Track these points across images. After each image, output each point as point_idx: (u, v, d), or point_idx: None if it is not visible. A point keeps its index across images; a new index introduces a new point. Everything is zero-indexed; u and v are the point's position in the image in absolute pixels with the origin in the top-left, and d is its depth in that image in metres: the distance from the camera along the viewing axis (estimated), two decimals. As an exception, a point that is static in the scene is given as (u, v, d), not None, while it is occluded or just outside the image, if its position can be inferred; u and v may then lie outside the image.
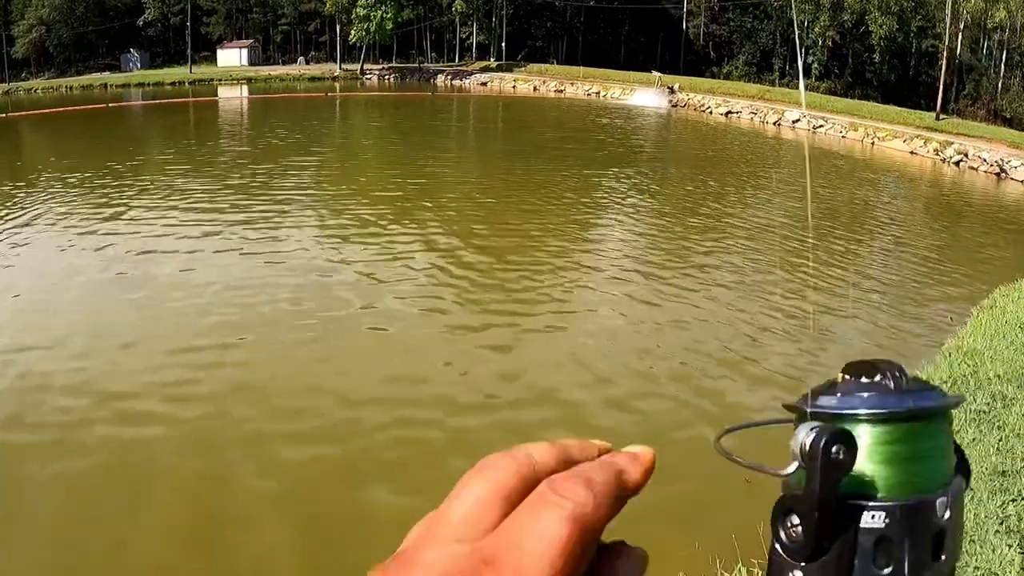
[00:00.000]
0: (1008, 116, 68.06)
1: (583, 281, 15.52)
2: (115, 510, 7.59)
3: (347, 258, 16.17)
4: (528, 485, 0.51)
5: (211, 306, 13.04)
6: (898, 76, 76.51)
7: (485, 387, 10.58)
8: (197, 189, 22.03)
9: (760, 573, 5.97)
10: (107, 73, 75.66)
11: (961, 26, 65.15)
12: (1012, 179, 37.71)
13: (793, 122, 52.71)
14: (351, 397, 10.09)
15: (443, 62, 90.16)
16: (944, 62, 57.36)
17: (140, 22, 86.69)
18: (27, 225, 17.91)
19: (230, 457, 8.66)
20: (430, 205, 21.47)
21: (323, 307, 13.25)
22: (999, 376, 9.52)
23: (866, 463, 0.53)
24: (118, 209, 19.34)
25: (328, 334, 12.18)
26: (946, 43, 59.75)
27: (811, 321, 14.22)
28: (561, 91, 71.33)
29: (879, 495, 0.53)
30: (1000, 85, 73.21)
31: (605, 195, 24.77)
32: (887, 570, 0.52)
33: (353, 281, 14.77)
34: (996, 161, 39.19)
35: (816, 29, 75.36)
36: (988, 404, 8.49)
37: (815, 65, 77.03)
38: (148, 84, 66.52)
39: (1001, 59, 73.59)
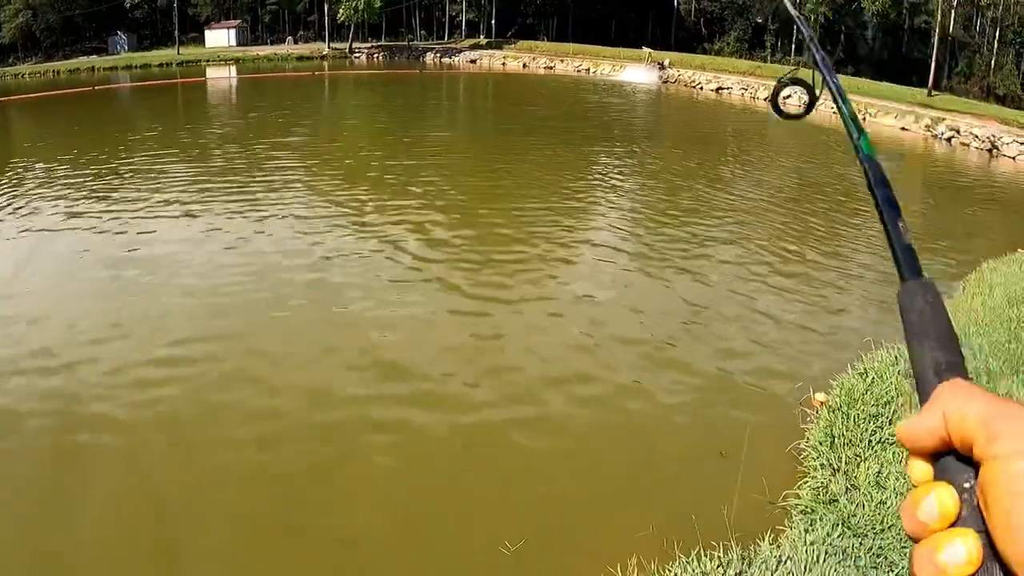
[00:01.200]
0: (1000, 93, 67.66)
1: (573, 255, 15.35)
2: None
3: (335, 236, 15.92)
4: None
5: (196, 287, 12.79)
6: (890, 53, 75.91)
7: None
8: (183, 170, 21.78)
9: (722, 553, 5.59)
10: (94, 57, 74.69)
11: (954, 3, 64.66)
12: (1004, 156, 37.27)
13: (784, 98, 52.12)
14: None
15: (432, 40, 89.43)
16: (936, 39, 56.87)
17: (127, 4, 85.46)
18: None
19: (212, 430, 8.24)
20: (419, 183, 21.10)
21: (313, 285, 13.07)
22: (985, 350, 9.15)
23: None
24: (104, 193, 19.08)
25: (315, 313, 11.94)
26: (939, 20, 59.25)
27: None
28: (551, 68, 70.82)
29: None
30: (993, 62, 72.74)
31: (594, 174, 24.41)
32: None
33: (340, 260, 14.48)
34: (988, 138, 38.72)
35: (808, 6, 74.74)
36: (974, 379, 8.04)
37: (807, 43, 76.26)
38: (136, 66, 65.93)
39: (994, 36, 73.09)
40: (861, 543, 5.70)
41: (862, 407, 8.22)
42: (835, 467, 7.06)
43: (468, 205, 18.87)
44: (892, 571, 5.30)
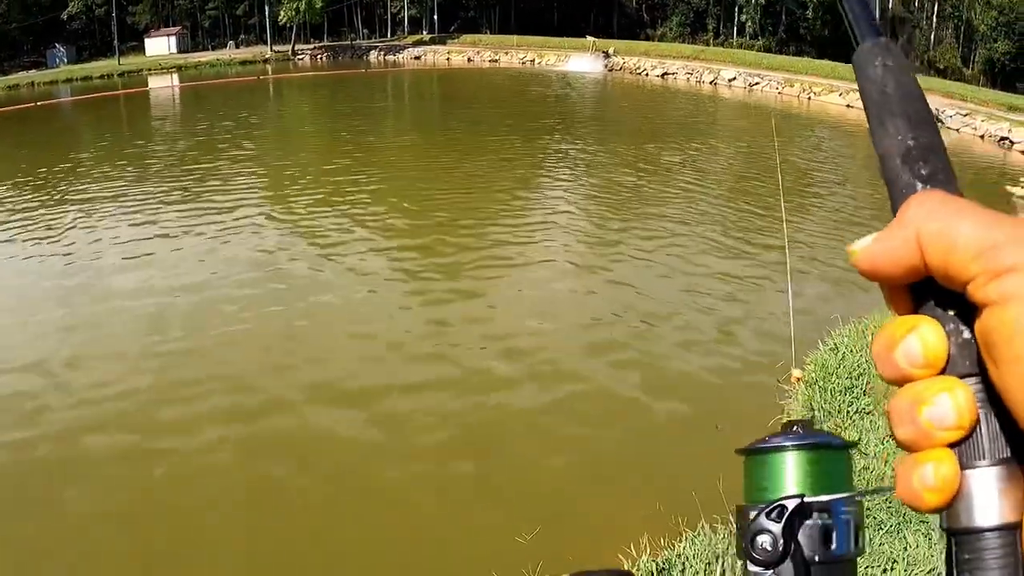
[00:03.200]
0: (941, 67, 68.81)
1: (545, 244, 15.55)
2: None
3: (294, 238, 15.93)
4: None
5: (154, 294, 12.73)
6: (831, 31, 76.78)
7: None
8: (131, 186, 21.25)
9: (722, 528, 5.84)
10: (33, 71, 73.28)
11: (892, -21, 65.61)
12: (948, 128, 38.00)
13: (729, 80, 52.82)
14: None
15: (375, 38, 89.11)
16: (876, 14, 57.54)
17: (64, 16, 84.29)
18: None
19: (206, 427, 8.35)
20: (371, 182, 21.10)
21: (277, 283, 13.16)
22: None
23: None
24: (54, 212, 18.59)
25: (283, 312, 11.99)
26: (878, -3, 60.09)
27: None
28: (496, 61, 70.88)
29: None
30: (933, 37, 73.89)
31: (544, 164, 24.60)
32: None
33: (299, 259, 14.58)
34: (932, 111, 39.39)
35: (750, -13, 75.57)
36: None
37: (749, 24, 77.29)
38: (76, 79, 64.54)
39: (933, 11, 74.25)
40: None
41: (836, 380, 8.51)
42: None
43: (419, 207, 18.97)
44: (880, 530, 5.56)
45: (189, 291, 12.77)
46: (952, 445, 0.50)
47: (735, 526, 0.64)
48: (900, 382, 0.52)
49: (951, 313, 0.52)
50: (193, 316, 11.71)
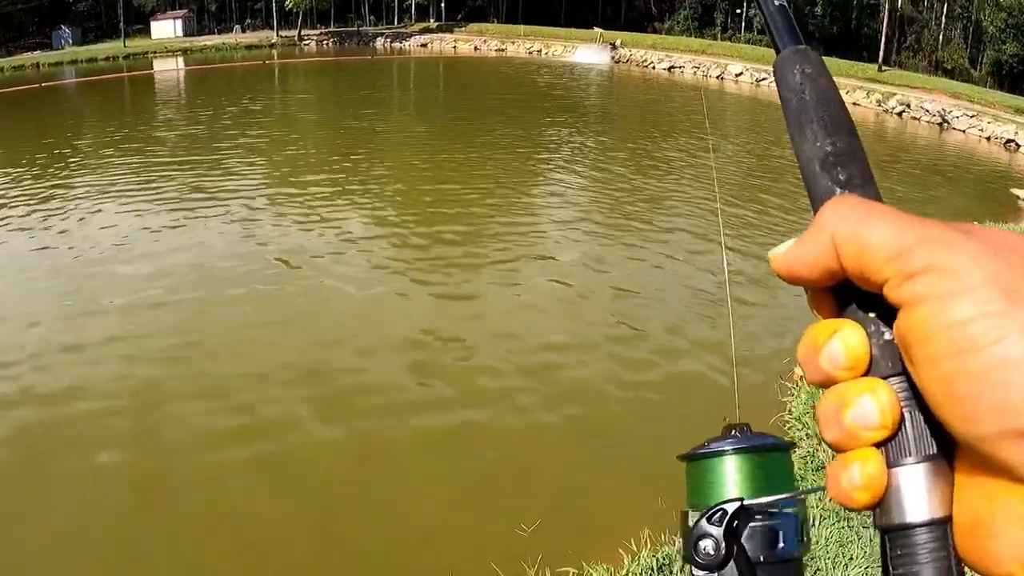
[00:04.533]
0: (949, 67, 68.65)
1: (535, 235, 15.45)
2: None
3: (296, 226, 15.77)
4: None
5: (158, 284, 12.56)
6: (840, 28, 76.65)
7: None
8: (136, 169, 21.13)
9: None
10: (38, 52, 72.96)
11: (901, -22, 65.48)
12: (954, 128, 38.04)
13: (736, 75, 52.76)
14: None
15: (382, 25, 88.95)
16: (885, 14, 57.60)
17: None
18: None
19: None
20: (375, 172, 21.05)
21: (278, 271, 13.11)
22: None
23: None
24: (57, 192, 18.57)
25: (288, 300, 11.97)
26: (887, -5, 59.99)
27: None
28: (502, 50, 70.78)
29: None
30: (941, 37, 73.75)
31: (549, 156, 24.54)
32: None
33: (300, 248, 14.45)
34: (938, 111, 39.46)
35: (757, -17, 75.28)
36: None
37: (757, 19, 77.13)
38: (81, 61, 64.15)
39: (942, 11, 74.08)
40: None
41: (840, 378, 8.49)
42: (819, 436, 7.32)
43: (428, 195, 18.93)
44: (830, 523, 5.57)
45: (175, 283, 12.72)
46: (878, 444, 0.51)
47: (679, 531, 0.65)
48: (826, 385, 0.53)
49: (872, 315, 0.52)
50: (166, 314, 11.54)
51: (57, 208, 16.91)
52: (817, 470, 6.65)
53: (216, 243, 14.56)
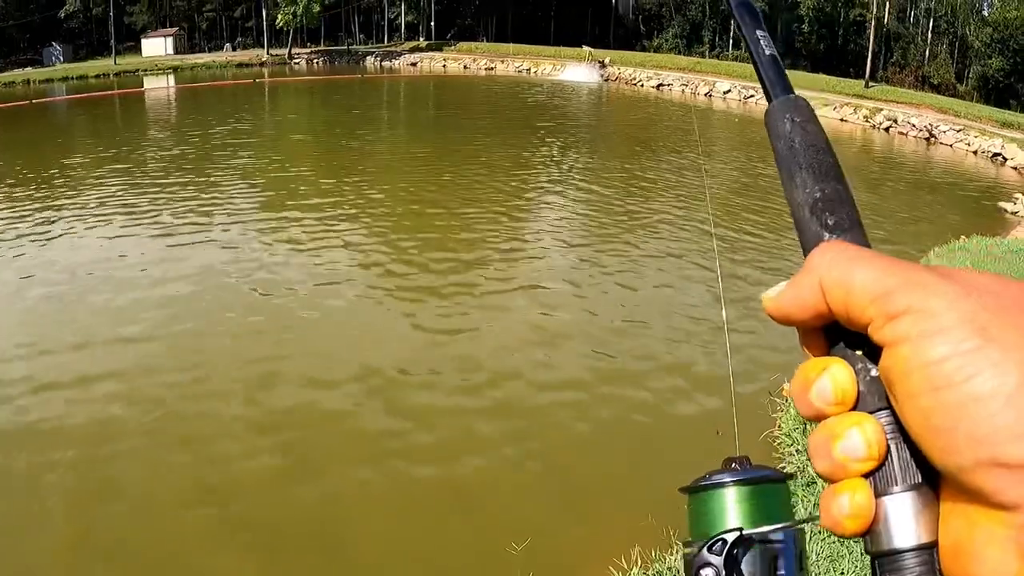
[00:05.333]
0: (936, 82, 68.95)
1: (524, 260, 15.49)
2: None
3: (286, 247, 15.64)
4: None
5: (146, 301, 12.52)
6: (827, 45, 77.04)
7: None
8: (127, 188, 21.04)
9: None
10: (29, 69, 73.06)
11: (887, -6, 65.85)
12: (941, 143, 38.26)
13: (724, 93, 52.99)
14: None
15: (372, 43, 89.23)
16: (872, 30, 57.97)
17: (61, 14, 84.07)
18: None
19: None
20: (363, 195, 20.95)
21: (268, 293, 13.00)
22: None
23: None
24: (47, 213, 18.38)
25: (275, 321, 11.88)
26: (874, 12, 60.45)
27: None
28: (492, 69, 70.91)
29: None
30: (927, 52, 74.17)
31: (539, 178, 24.60)
32: None
33: (293, 269, 14.46)
34: (925, 126, 39.67)
35: (745, 0, 75.66)
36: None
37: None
38: (72, 78, 64.22)
39: (928, 26, 74.56)
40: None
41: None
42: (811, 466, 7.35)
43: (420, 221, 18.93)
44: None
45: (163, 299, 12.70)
46: (867, 475, 0.53)
47: (682, 562, 0.66)
48: (816, 419, 0.56)
49: (859, 353, 0.55)
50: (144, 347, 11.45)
51: (29, 232, 16.54)
52: (808, 485, 6.68)
53: (198, 271, 14.10)
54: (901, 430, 0.52)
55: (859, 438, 0.53)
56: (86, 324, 11.51)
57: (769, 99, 0.67)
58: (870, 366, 0.54)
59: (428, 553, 6.79)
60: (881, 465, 0.53)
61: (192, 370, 10.10)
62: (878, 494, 0.53)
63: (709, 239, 16.62)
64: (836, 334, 0.56)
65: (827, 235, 0.59)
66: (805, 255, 0.58)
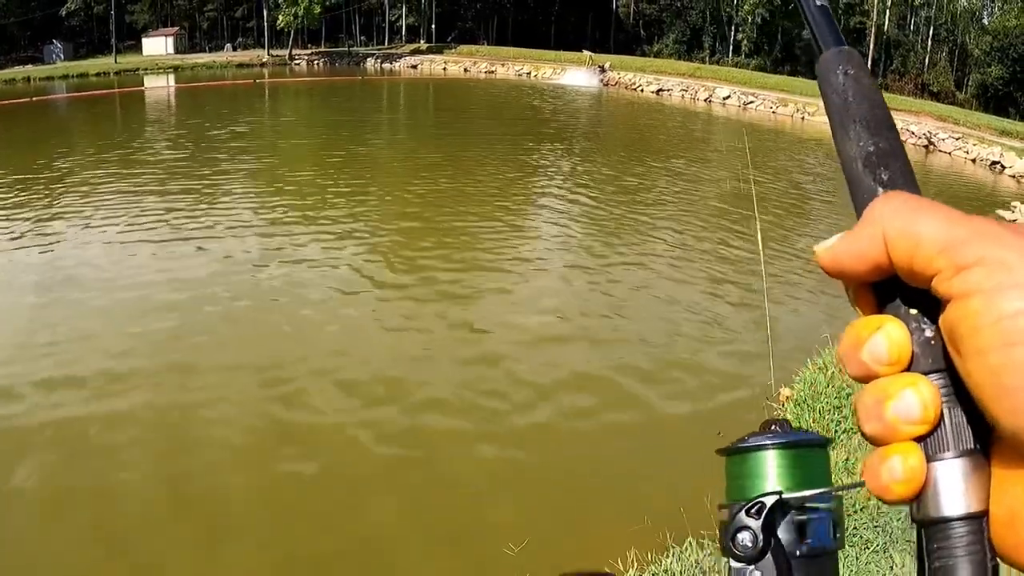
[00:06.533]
0: (935, 90, 69.08)
1: (539, 256, 15.61)
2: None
3: (286, 249, 15.56)
4: None
5: (148, 303, 12.43)
6: (827, 52, 77.06)
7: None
8: (122, 192, 20.79)
9: (709, 543, 5.88)
10: (29, 66, 72.94)
11: (888, 3, 66.06)
12: (940, 151, 38.30)
13: (724, 99, 53.04)
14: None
15: (373, 45, 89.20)
16: (872, 38, 58.11)
17: (62, 12, 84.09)
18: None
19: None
20: (360, 198, 20.88)
21: (270, 294, 13.04)
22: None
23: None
24: (44, 211, 18.37)
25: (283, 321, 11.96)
26: (874, 19, 60.58)
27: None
28: (492, 72, 70.91)
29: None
30: (927, 60, 74.25)
31: (539, 184, 24.62)
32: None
33: (290, 271, 14.38)
34: (924, 134, 39.70)
35: (746, 7, 75.93)
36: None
37: (744, 42, 77.65)
38: (72, 76, 64.11)
39: (928, 34, 74.64)
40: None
41: (825, 399, 8.57)
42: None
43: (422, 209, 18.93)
44: (868, 548, 5.60)
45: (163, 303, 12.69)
46: (918, 439, 0.51)
47: (718, 525, 0.65)
48: (867, 380, 0.53)
49: (914, 312, 0.53)
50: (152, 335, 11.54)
51: (29, 231, 16.55)
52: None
53: (193, 275, 13.93)
54: (955, 393, 0.51)
55: (914, 399, 0.51)
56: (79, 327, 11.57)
57: (819, 50, 0.65)
58: (924, 325, 0.53)
59: (426, 554, 6.82)
60: (933, 429, 0.51)
61: (195, 375, 10.17)
62: (929, 459, 0.51)
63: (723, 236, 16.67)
64: (890, 290, 0.54)
65: (881, 190, 0.57)
66: (858, 211, 0.56)
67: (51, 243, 15.57)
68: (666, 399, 9.85)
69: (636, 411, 9.53)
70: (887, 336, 0.52)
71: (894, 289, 0.54)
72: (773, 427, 0.65)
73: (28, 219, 17.29)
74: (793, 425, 0.65)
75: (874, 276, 0.54)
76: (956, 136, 38.80)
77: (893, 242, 0.51)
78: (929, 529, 0.51)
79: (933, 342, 0.52)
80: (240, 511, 7.26)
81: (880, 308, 0.55)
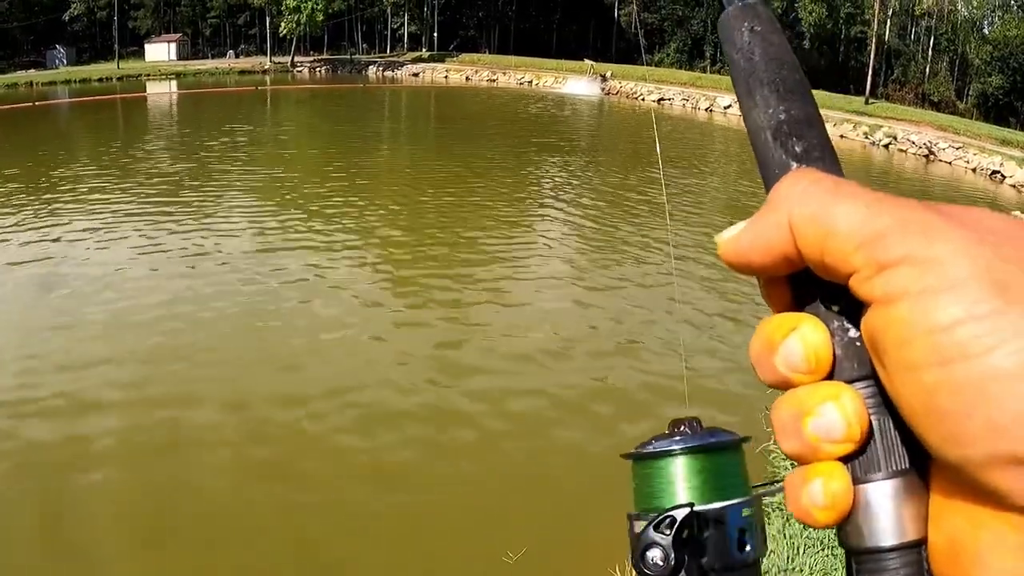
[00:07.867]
0: (935, 100, 69.06)
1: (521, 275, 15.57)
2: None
3: (291, 259, 15.56)
4: None
5: (147, 313, 12.37)
6: (828, 62, 77.11)
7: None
8: (127, 194, 20.89)
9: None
10: (32, 71, 73.05)
11: (889, 13, 66.12)
12: (940, 160, 38.38)
13: (725, 108, 53.08)
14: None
15: (375, 53, 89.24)
16: (873, 48, 58.12)
17: (65, 17, 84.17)
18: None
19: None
20: (363, 208, 20.77)
21: (272, 301, 13.07)
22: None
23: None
24: (48, 217, 18.32)
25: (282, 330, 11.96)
26: (875, 29, 60.59)
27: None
28: (493, 80, 71.06)
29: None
30: (928, 69, 74.25)
31: (540, 194, 24.67)
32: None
33: (297, 279, 14.39)
34: (925, 144, 39.79)
35: (746, 17, 75.89)
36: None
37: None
38: (75, 81, 64.27)
39: (928, 44, 74.65)
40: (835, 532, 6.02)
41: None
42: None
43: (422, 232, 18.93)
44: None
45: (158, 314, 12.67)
46: (843, 459, 0.45)
47: (628, 535, 0.58)
48: (782, 387, 0.47)
49: (835, 309, 0.46)
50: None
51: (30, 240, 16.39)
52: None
53: (193, 287, 13.74)
54: (885, 404, 0.44)
55: (836, 415, 0.44)
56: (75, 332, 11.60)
57: (722, 6, 0.57)
58: (848, 326, 0.46)
59: (425, 564, 6.84)
60: (861, 447, 0.45)
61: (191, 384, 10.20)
62: (856, 480, 0.45)
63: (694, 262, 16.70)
64: (806, 285, 0.47)
65: (794, 164, 0.49)
66: (767, 188, 0.49)
67: (47, 253, 15.53)
68: (668, 400, 9.86)
69: (636, 415, 9.54)
70: (803, 339, 0.46)
71: (812, 283, 0.47)
72: (682, 427, 0.59)
73: (26, 227, 17.27)
74: (704, 424, 0.59)
75: (784, 270, 0.47)
76: (956, 146, 38.87)
77: (800, 230, 0.44)
78: (859, 558, 0.46)
79: (859, 344, 0.45)
80: (223, 536, 7.27)
81: (797, 305, 0.49)
